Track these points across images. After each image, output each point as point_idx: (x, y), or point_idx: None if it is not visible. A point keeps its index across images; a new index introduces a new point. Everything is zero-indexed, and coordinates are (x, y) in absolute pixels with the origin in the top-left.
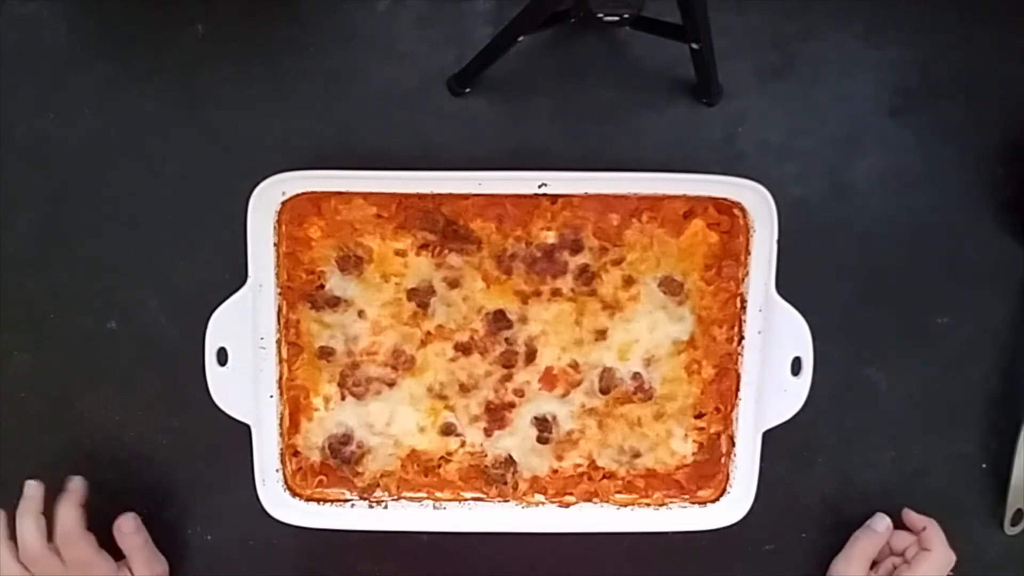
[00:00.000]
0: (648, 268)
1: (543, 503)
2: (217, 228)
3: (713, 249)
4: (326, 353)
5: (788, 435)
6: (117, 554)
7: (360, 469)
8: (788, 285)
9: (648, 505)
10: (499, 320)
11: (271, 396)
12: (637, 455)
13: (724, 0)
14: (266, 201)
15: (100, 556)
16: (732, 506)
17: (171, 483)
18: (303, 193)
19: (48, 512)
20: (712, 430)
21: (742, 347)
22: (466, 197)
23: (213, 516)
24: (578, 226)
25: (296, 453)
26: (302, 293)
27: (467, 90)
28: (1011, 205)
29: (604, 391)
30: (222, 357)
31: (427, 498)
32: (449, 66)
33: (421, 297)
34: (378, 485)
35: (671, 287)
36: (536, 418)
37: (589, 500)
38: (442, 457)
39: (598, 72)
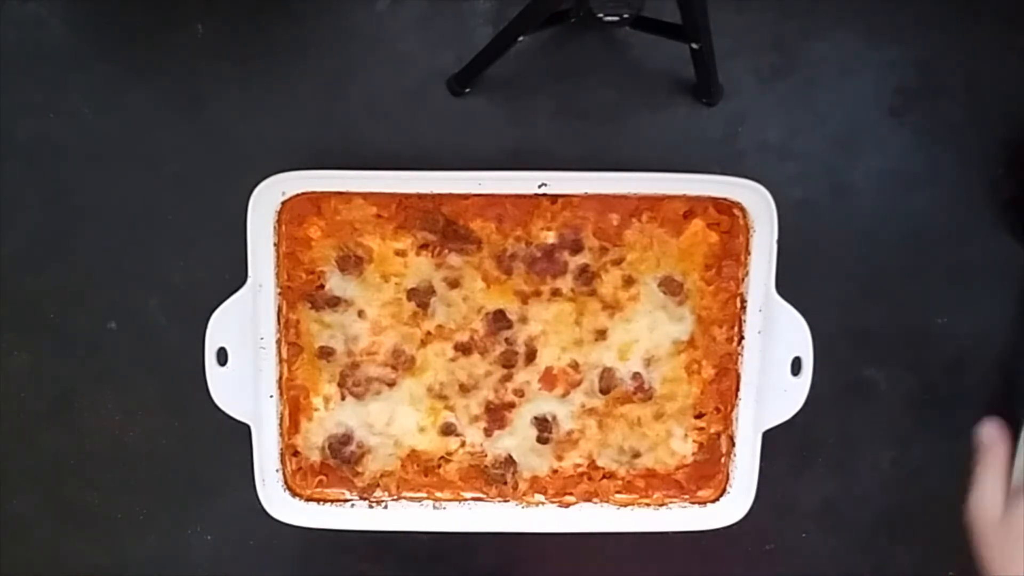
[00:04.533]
0: (648, 268)
1: (543, 503)
2: (217, 228)
3: (713, 249)
4: (326, 353)
5: (788, 435)
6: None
7: (360, 469)
8: (788, 285)
9: (648, 505)
10: (499, 320)
11: (271, 396)
12: (637, 455)
13: (724, 0)
14: (266, 201)
15: None
16: (732, 506)
17: (171, 483)
18: (303, 193)
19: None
20: (712, 430)
21: (742, 347)
22: (466, 197)
23: (213, 516)
24: (578, 226)
25: (296, 453)
26: (302, 293)
27: (467, 90)
28: (1011, 205)
29: (604, 391)
30: (222, 357)
31: (427, 498)
32: (449, 66)
33: (421, 297)
34: (378, 485)
35: (671, 287)
36: (536, 418)
37: (589, 500)
38: (442, 457)
39: (598, 72)
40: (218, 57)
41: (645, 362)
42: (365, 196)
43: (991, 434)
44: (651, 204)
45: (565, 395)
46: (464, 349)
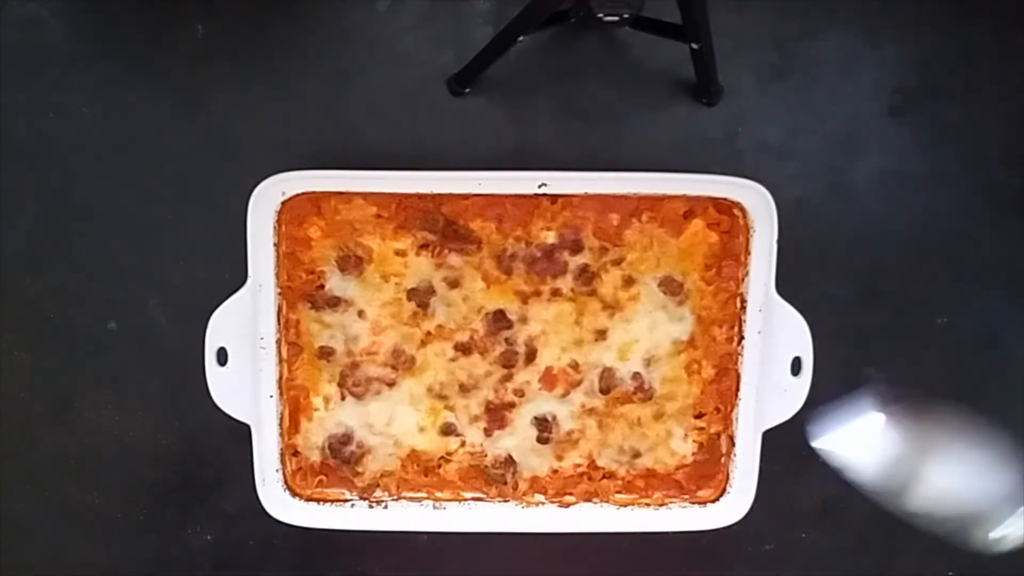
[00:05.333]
0: (648, 268)
1: (543, 503)
2: (217, 228)
3: (713, 249)
4: (326, 353)
5: (788, 435)
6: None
7: (360, 469)
8: (788, 285)
9: (648, 505)
10: (499, 320)
11: (271, 396)
12: (637, 455)
13: (724, 0)
14: (266, 201)
15: None
16: (732, 506)
17: (171, 483)
18: (303, 193)
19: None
20: (712, 430)
21: (742, 347)
22: (466, 197)
23: (213, 516)
24: (578, 226)
25: (296, 453)
26: (302, 293)
27: (467, 90)
28: (1011, 205)
29: (604, 391)
30: (222, 357)
31: (427, 498)
32: (449, 66)
33: (421, 297)
34: (378, 485)
35: (671, 287)
36: (536, 418)
37: (589, 500)
38: (442, 457)
39: (598, 72)
40: (218, 57)
41: (645, 362)
42: (365, 196)
43: None
44: (651, 204)
45: (565, 395)
46: (464, 349)
